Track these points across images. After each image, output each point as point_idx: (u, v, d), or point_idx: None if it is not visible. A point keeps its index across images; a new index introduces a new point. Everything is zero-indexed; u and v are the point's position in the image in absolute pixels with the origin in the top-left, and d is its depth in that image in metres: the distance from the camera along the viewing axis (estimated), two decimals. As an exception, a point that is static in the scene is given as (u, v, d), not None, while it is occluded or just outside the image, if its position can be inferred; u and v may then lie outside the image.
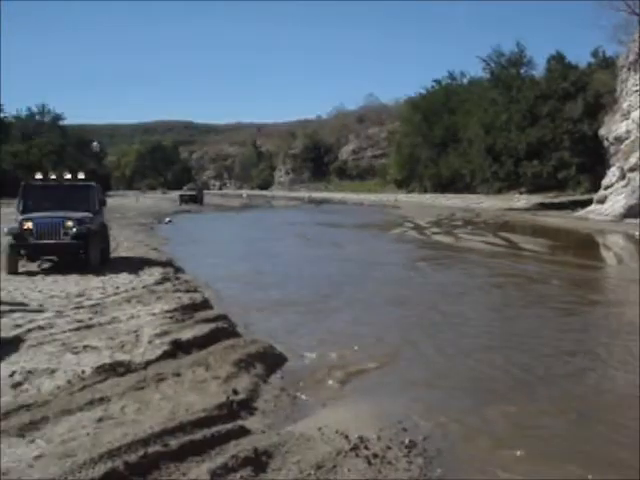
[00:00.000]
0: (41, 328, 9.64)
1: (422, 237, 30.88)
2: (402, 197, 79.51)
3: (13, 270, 15.29)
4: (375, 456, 5.62)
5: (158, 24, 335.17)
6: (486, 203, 59.42)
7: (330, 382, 8.14)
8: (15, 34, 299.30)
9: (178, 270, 17.07)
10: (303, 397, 7.53)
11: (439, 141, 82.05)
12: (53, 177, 17.50)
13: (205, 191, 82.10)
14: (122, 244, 22.58)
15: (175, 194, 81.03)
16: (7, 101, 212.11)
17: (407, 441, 6.06)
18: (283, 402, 7.27)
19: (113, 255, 18.58)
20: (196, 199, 66.99)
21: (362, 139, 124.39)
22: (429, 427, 6.58)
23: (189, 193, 70.20)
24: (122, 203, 57.70)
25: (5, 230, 15.90)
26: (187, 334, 9.20)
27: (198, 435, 5.74)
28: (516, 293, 15.24)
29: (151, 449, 5.33)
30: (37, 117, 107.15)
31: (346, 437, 5.93)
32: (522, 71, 72.82)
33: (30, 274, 15.29)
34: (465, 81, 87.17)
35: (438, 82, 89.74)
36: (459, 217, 45.76)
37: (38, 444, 5.52)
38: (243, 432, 6.04)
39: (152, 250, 21.48)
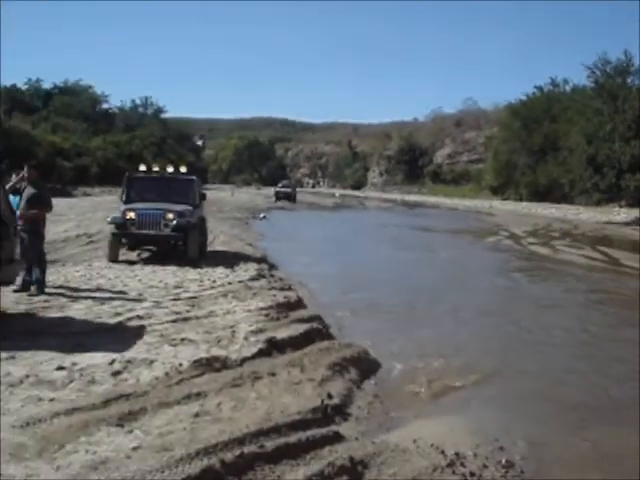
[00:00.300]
0: (140, 317, 9.85)
1: (518, 247, 30.21)
2: (497, 204, 78.18)
3: (114, 258, 15.73)
4: (472, 474, 5.45)
5: (259, 22, 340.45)
6: (584, 215, 57.69)
7: (424, 392, 8.00)
8: (123, 30, 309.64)
9: (272, 267, 17.20)
10: (397, 406, 7.42)
11: (538, 149, 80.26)
12: (156, 170, 17.92)
13: (298, 189, 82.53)
14: (218, 238, 22.95)
15: (269, 190, 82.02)
16: (113, 92, 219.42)
17: (504, 461, 5.86)
18: (377, 410, 7.17)
19: (210, 249, 18.87)
20: (290, 196, 67.27)
21: (458, 143, 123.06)
22: (526, 447, 6.36)
23: (284, 190, 70.31)
24: (218, 197, 58.66)
25: (109, 219, 16.39)
26: (282, 333, 9.21)
27: (293, 438, 5.70)
28: (617, 311, 14.65)
29: (247, 449, 5.31)
30: (140, 109, 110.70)
31: (442, 452, 5.77)
32: (629, 80, 70.39)
33: (130, 263, 15.69)
34: (568, 89, 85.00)
35: (540, 89, 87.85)
36: (556, 228, 44.55)
37: (136, 435, 5.58)
38: (337, 438, 5.96)
39: (247, 245, 21.73)
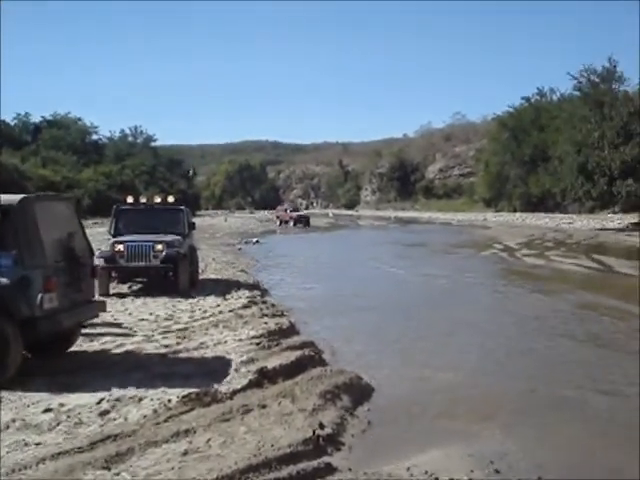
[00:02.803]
0: (129, 353, 9.74)
1: (512, 259, 30.16)
2: (490, 216, 78.34)
3: (104, 292, 15.59)
4: (466, 501, 5.36)
5: (246, 46, 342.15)
6: (578, 223, 57.84)
7: (418, 417, 7.86)
8: (109, 61, 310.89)
9: (265, 293, 17.11)
10: (390, 432, 7.30)
11: (528, 159, 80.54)
12: (144, 201, 17.87)
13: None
14: (210, 265, 22.85)
15: (262, 214, 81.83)
16: (101, 123, 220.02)
17: (500, 485, 5.77)
18: (370, 437, 7.06)
19: (202, 277, 18.76)
20: (307, 221, 64.89)
21: (449, 158, 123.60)
22: (524, 469, 6.25)
23: (300, 214, 68.00)
24: (211, 223, 58.79)
25: (97, 253, 16.27)
26: (273, 362, 9.09)
27: (284, 473, 5.61)
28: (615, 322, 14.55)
29: (236, 487, 5.23)
30: (130, 139, 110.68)
31: (436, 479, 5.69)
32: (614, 87, 70.61)
33: (120, 296, 15.58)
34: (555, 98, 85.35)
35: (527, 99, 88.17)
36: (550, 238, 44.60)
37: (123, 477, 5.47)
38: (329, 470, 5.87)
39: (239, 272, 21.62)
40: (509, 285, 20.75)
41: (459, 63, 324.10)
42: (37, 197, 9.20)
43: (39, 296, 8.10)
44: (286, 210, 70.61)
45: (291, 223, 63.45)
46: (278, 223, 65.24)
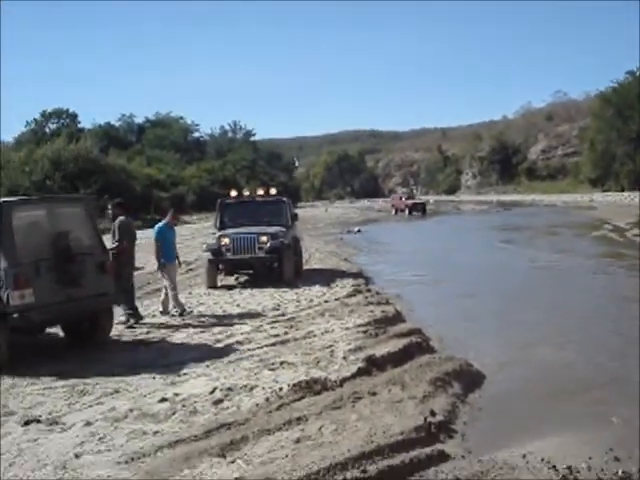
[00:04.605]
0: (239, 343, 9.92)
1: (622, 240, 29.04)
2: (597, 197, 75.66)
3: (212, 284, 15.98)
4: (587, 489, 5.18)
5: (338, 35, 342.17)
6: (692, 200, 55.04)
7: (530, 404, 7.67)
8: (211, 59, 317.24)
9: (369, 281, 17.08)
10: (503, 419, 7.16)
11: (635, 136, 77.26)
12: (247, 194, 18.16)
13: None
14: (314, 255, 23.01)
15: (362, 203, 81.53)
16: (202, 121, 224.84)
17: (620, 472, 5.54)
18: (483, 424, 6.95)
19: (306, 267, 18.91)
20: (424, 208, 61.43)
21: (551, 138, 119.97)
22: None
23: (417, 202, 63.63)
24: (312, 214, 59.15)
25: (204, 246, 16.68)
26: (381, 350, 9.08)
27: (396, 460, 5.57)
28: None
29: (349, 474, 5.23)
30: (230, 134, 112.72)
31: (554, 467, 5.52)
32: None
33: (228, 288, 15.89)
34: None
35: (632, 73, 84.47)
36: (663, 216, 42.68)
37: (239, 465, 5.56)
38: (443, 457, 5.80)
39: (342, 261, 21.69)
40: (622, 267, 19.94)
41: (557, 39, 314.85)
42: (15, 202, 9.73)
43: (6, 293, 8.62)
44: (401, 198, 66.42)
45: (406, 212, 59.45)
46: (394, 212, 62.07)
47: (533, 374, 8.88)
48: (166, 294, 12.65)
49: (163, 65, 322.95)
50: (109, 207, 12.46)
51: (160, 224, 13.11)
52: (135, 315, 11.71)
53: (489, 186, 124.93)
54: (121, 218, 12.03)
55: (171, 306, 12.57)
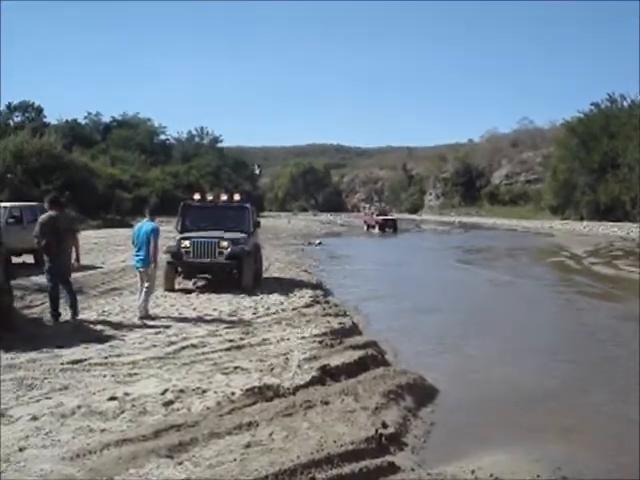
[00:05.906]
0: (194, 346, 9.81)
1: (579, 267, 29.46)
2: (557, 224, 76.72)
3: (170, 287, 15.80)
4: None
5: (307, 51, 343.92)
6: (649, 232, 56.00)
7: (483, 420, 7.71)
8: (179, 63, 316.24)
9: (327, 293, 17.08)
10: (455, 434, 7.17)
11: (597, 167, 78.52)
12: (210, 198, 18.03)
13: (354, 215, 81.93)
14: (274, 264, 22.94)
15: (325, 216, 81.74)
16: (170, 125, 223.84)
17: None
18: (434, 438, 6.95)
19: (265, 275, 18.83)
20: (395, 225, 59.66)
21: (515, 164, 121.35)
22: (592, 474, 6.05)
23: (389, 218, 61.48)
24: (275, 224, 59.11)
25: (164, 248, 16.48)
26: (336, 360, 9.05)
27: (346, 469, 5.55)
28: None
29: (298, 481, 5.18)
30: (197, 139, 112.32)
31: (501, 482, 5.55)
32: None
33: (186, 292, 15.73)
34: (626, 104, 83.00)
35: (597, 105, 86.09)
36: (618, 247, 43.40)
37: (186, 467, 5.48)
38: (392, 469, 5.79)
39: (302, 272, 21.67)
40: (575, 293, 20.24)
41: (526, 67, 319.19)
42: None
43: None
44: (372, 214, 65.20)
45: (376, 228, 58.23)
46: (365, 228, 61.04)
47: (486, 389, 8.94)
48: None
49: (133, 68, 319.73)
50: (44, 202, 12.03)
51: (154, 224, 12.66)
52: (54, 315, 11.49)
53: (451, 207, 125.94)
54: (44, 215, 11.66)
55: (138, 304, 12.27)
